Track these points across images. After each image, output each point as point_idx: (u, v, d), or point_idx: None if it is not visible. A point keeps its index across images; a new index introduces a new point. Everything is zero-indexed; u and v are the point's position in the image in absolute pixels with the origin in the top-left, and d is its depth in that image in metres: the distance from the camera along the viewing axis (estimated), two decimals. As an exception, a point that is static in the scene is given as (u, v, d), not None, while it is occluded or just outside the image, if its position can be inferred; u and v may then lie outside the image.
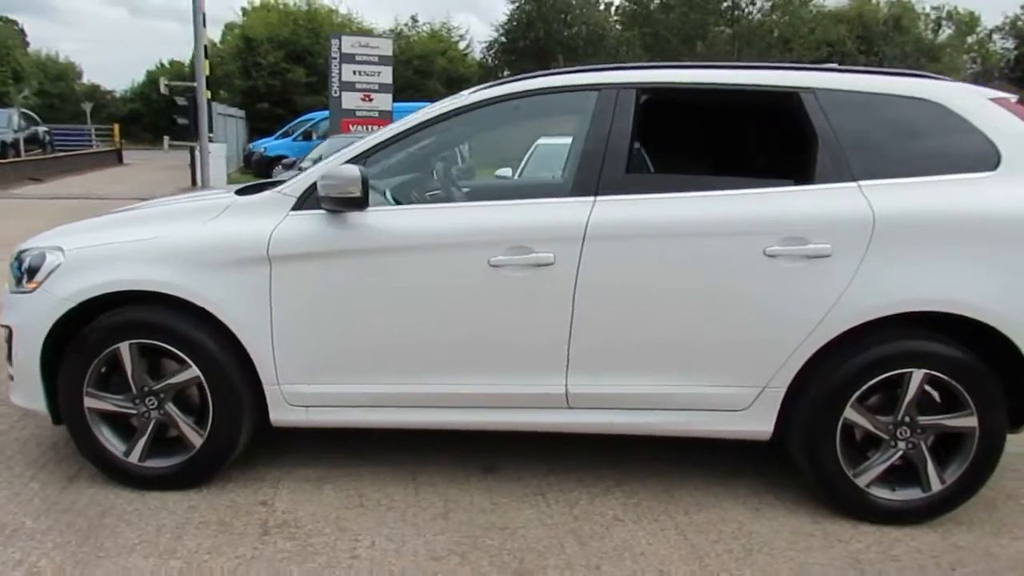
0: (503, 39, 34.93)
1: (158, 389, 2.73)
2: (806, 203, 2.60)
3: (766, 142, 3.43)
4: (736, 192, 2.68)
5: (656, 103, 2.87)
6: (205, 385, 2.69)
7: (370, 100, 16.80)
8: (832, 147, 2.63)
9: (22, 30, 48.36)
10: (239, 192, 3.01)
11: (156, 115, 35.99)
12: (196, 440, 2.74)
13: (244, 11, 34.28)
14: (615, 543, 2.51)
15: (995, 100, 2.68)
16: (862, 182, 2.59)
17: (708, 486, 2.90)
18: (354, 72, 16.57)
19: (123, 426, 2.80)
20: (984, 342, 2.56)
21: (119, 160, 25.58)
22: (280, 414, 2.75)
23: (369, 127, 15.13)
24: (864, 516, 2.67)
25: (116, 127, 28.82)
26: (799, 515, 2.71)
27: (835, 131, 2.64)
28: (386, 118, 15.73)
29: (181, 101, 15.71)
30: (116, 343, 2.68)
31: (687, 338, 2.64)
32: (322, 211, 2.63)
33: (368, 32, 28.99)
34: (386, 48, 17.12)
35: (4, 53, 35.13)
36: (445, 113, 2.82)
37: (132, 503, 2.69)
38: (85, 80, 48.55)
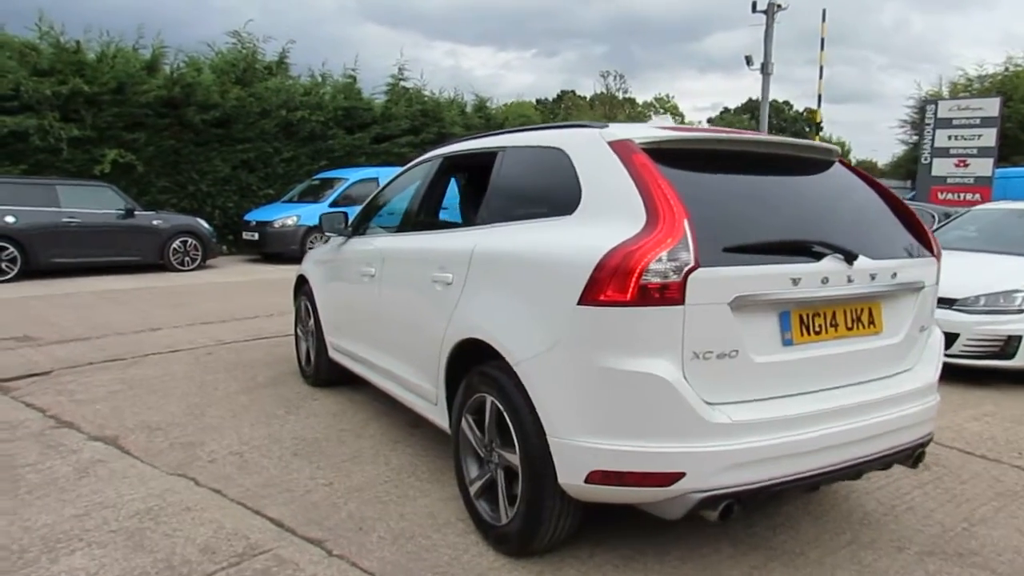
0: None
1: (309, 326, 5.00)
2: (454, 242, 3.14)
3: (480, 194, 4.22)
4: (442, 232, 3.51)
5: (449, 167, 3.88)
6: (311, 313, 4.90)
7: (965, 165, 14.97)
8: (492, 196, 3.09)
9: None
10: None
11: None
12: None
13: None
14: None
15: (613, 144, 2.53)
16: (492, 225, 2.95)
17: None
18: (948, 137, 15.15)
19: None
20: None
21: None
22: (331, 353, 4.65)
23: (960, 195, 14.18)
24: (478, 527, 2.77)
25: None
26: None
27: (500, 182, 3.08)
28: (984, 184, 13.91)
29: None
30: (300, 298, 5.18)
31: (405, 332, 3.49)
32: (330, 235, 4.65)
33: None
34: (992, 108, 14.65)
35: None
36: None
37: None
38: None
